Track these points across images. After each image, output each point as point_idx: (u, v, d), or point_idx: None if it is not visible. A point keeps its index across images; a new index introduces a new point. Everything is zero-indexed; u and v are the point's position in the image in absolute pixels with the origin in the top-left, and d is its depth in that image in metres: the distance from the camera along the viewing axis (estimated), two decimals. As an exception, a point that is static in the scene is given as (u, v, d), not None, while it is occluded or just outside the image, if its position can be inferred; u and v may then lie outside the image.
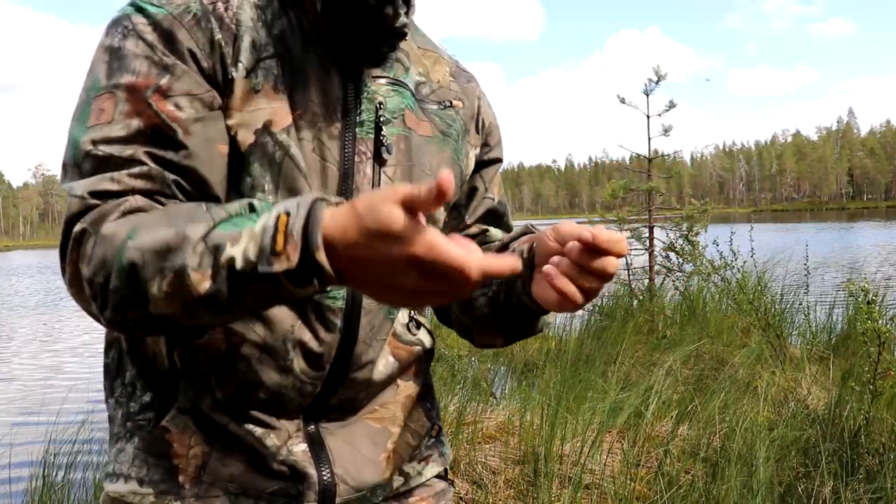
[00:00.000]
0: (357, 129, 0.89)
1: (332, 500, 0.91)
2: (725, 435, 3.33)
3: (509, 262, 0.63)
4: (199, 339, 0.85)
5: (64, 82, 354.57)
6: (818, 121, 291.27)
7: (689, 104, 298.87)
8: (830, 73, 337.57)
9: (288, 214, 0.65)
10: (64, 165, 0.82)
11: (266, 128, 0.84)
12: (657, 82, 7.48)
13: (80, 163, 0.79)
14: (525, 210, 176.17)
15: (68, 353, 9.43)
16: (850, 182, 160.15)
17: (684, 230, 7.40)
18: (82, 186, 0.77)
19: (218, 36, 0.83)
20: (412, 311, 0.99)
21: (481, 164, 1.07)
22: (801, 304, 6.36)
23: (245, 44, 0.84)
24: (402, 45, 0.96)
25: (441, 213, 1.02)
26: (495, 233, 1.09)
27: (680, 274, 7.35)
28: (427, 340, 1.02)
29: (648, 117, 7.69)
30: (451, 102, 1.01)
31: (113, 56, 0.81)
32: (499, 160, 1.10)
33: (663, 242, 7.59)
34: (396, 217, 0.60)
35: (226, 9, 0.84)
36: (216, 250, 0.67)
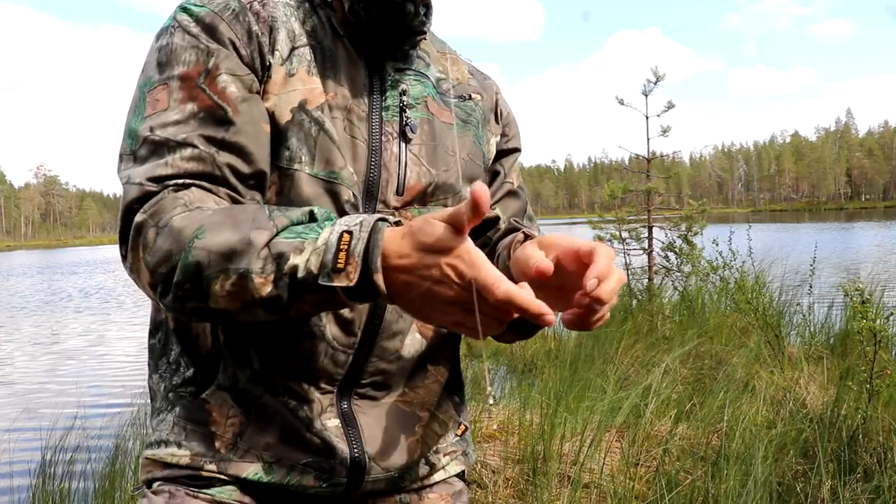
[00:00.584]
0: (383, 113, 0.96)
1: (361, 477, 0.95)
2: (724, 434, 3.34)
3: (536, 306, 0.67)
4: None
5: (66, 83, 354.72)
6: (817, 121, 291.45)
7: (689, 104, 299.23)
8: (829, 73, 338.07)
9: (350, 234, 0.72)
10: (120, 156, 0.87)
11: (301, 106, 0.91)
12: (656, 83, 7.49)
13: (137, 149, 0.85)
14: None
15: (67, 355, 9.43)
16: (849, 182, 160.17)
17: (683, 230, 7.42)
18: (140, 173, 0.84)
19: (255, 27, 0.90)
20: None
21: (501, 153, 1.12)
22: (799, 304, 6.37)
23: (281, 35, 0.92)
24: (422, 46, 1.03)
25: (468, 194, 1.04)
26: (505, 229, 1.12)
27: (679, 274, 7.37)
28: None
29: (647, 118, 7.71)
30: (469, 95, 1.07)
31: (162, 53, 0.89)
32: (517, 150, 1.15)
33: (662, 242, 7.60)
34: (445, 231, 0.69)
35: (263, 6, 0.92)
36: (280, 258, 0.73)
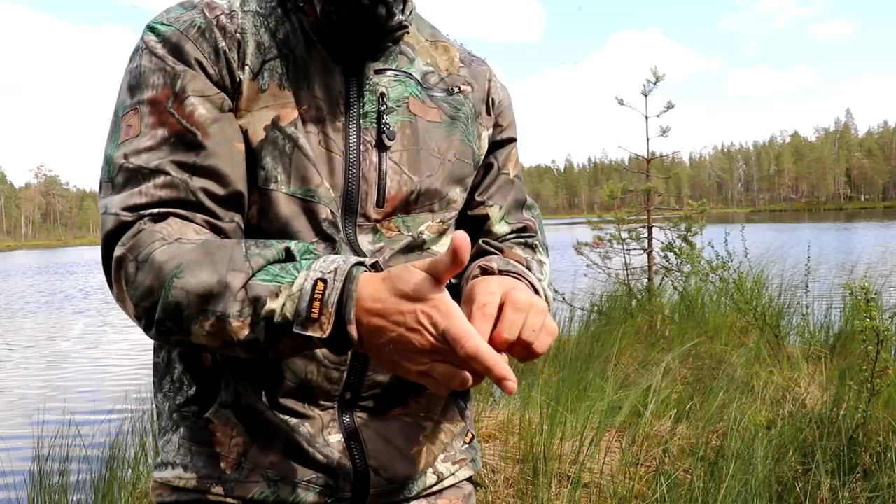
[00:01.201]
0: (361, 121, 0.93)
1: (365, 490, 0.95)
2: (724, 434, 3.34)
3: (500, 369, 0.69)
4: None
5: (66, 83, 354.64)
6: (816, 121, 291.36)
7: (689, 104, 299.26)
8: (829, 73, 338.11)
9: (324, 282, 0.72)
10: (100, 183, 0.88)
11: (275, 123, 0.90)
12: (655, 83, 7.49)
13: (114, 176, 0.85)
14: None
15: (65, 356, 9.42)
16: (848, 182, 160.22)
17: (682, 230, 7.42)
18: (116, 203, 0.84)
19: (222, 44, 0.89)
20: None
21: (495, 145, 1.08)
22: (798, 304, 6.38)
23: (250, 49, 0.90)
24: (407, 38, 1.00)
25: (457, 195, 1.02)
26: (498, 229, 1.09)
27: (678, 274, 7.37)
28: None
29: (647, 118, 7.71)
30: (459, 88, 1.03)
31: (133, 76, 0.89)
32: (512, 139, 1.11)
33: (662, 243, 7.61)
34: (423, 279, 0.70)
35: (230, 19, 0.90)
36: (256, 301, 0.74)
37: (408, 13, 0.96)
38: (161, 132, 0.85)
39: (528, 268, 0.98)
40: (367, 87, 0.94)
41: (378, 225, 0.94)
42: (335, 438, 0.94)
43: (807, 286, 6.13)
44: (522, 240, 1.09)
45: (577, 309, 7.14)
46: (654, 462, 3.21)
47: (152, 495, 0.98)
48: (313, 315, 0.71)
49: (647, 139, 7.75)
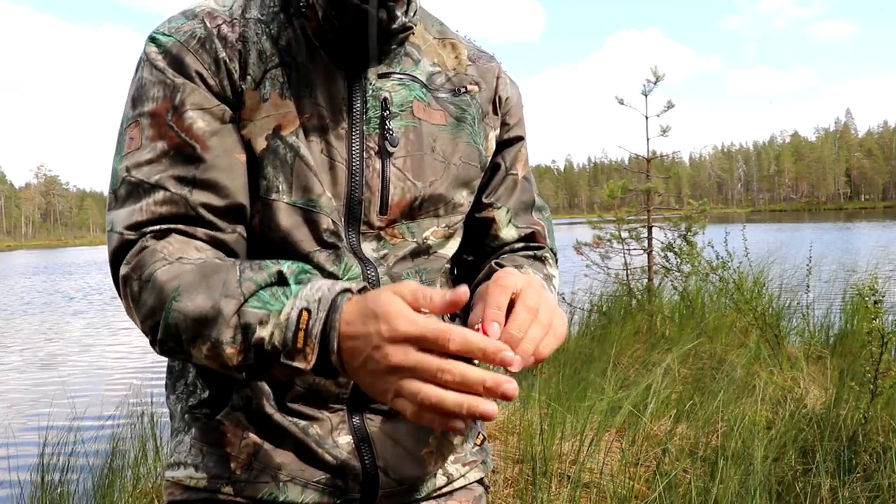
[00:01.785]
0: (364, 127, 0.93)
1: (374, 491, 0.95)
2: (724, 434, 3.34)
3: (494, 344, 0.67)
4: None
5: (66, 83, 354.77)
6: (816, 121, 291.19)
7: (689, 104, 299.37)
8: (828, 73, 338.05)
9: (309, 312, 0.72)
10: (108, 195, 0.90)
11: (276, 132, 0.89)
12: (655, 83, 7.49)
13: (118, 189, 0.87)
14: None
15: (63, 358, 9.42)
16: (848, 182, 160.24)
17: (683, 230, 7.42)
18: (119, 221, 0.86)
19: (223, 54, 0.89)
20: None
21: (502, 144, 1.07)
22: (798, 304, 6.38)
23: (252, 58, 0.90)
24: (413, 38, 0.99)
25: (464, 198, 1.01)
26: (505, 234, 1.07)
27: (678, 274, 7.37)
28: None
29: (647, 118, 7.71)
30: (465, 88, 1.01)
31: (135, 88, 0.90)
32: (520, 138, 1.09)
33: (662, 242, 7.61)
34: (393, 299, 0.68)
35: (231, 28, 0.90)
36: (247, 329, 0.74)
37: (411, 14, 0.94)
38: (161, 145, 0.86)
39: None
40: (370, 92, 0.93)
41: (382, 232, 0.94)
42: (344, 440, 0.94)
43: (807, 286, 6.13)
44: (531, 252, 1.07)
45: (577, 309, 7.14)
46: (653, 462, 3.21)
47: (164, 494, 1.00)
48: (298, 346, 0.72)
49: (647, 139, 7.76)
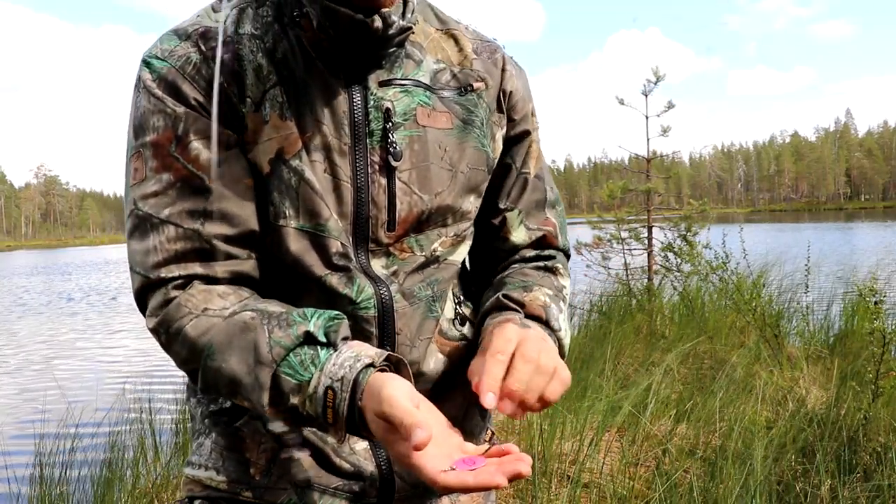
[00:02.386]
0: (368, 140, 0.90)
1: (391, 495, 0.97)
2: (724, 434, 3.34)
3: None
4: None
5: (66, 83, 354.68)
6: (816, 121, 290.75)
7: (689, 104, 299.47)
8: (829, 73, 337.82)
9: (334, 392, 0.77)
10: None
11: (279, 156, 0.88)
12: (655, 83, 7.49)
13: (129, 218, 0.89)
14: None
15: (62, 359, 9.42)
16: (848, 182, 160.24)
17: (682, 230, 7.42)
18: (137, 262, 0.88)
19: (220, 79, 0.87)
20: (458, 307, 1.02)
21: (510, 142, 1.04)
22: (798, 304, 6.37)
23: (249, 78, 0.88)
24: (414, 36, 0.96)
25: (471, 204, 1.00)
26: (516, 237, 1.06)
27: (678, 274, 7.36)
28: (473, 335, 1.02)
29: (647, 118, 7.71)
30: (472, 86, 0.98)
31: (134, 116, 0.89)
32: (528, 132, 1.05)
33: (662, 242, 7.60)
34: (397, 386, 0.76)
35: (226, 48, 0.88)
36: (281, 396, 0.80)
37: (409, 14, 0.91)
38: (167, 176, 0.86)
39: (548, 319, 0.96)
40: (372, 102, 0.90)
41: (391, 248, 0.93)
42: (361, 446, 0.95)
43: (807, 286, 6.13)
44: (542, 263, 1.06)
45: (576, 309, 7.14)
46: (653, 462, 3.21)
47: (183, 488, 1.01)
48: (329, 421, 0.78)
49: (648, 139, 7.76)
